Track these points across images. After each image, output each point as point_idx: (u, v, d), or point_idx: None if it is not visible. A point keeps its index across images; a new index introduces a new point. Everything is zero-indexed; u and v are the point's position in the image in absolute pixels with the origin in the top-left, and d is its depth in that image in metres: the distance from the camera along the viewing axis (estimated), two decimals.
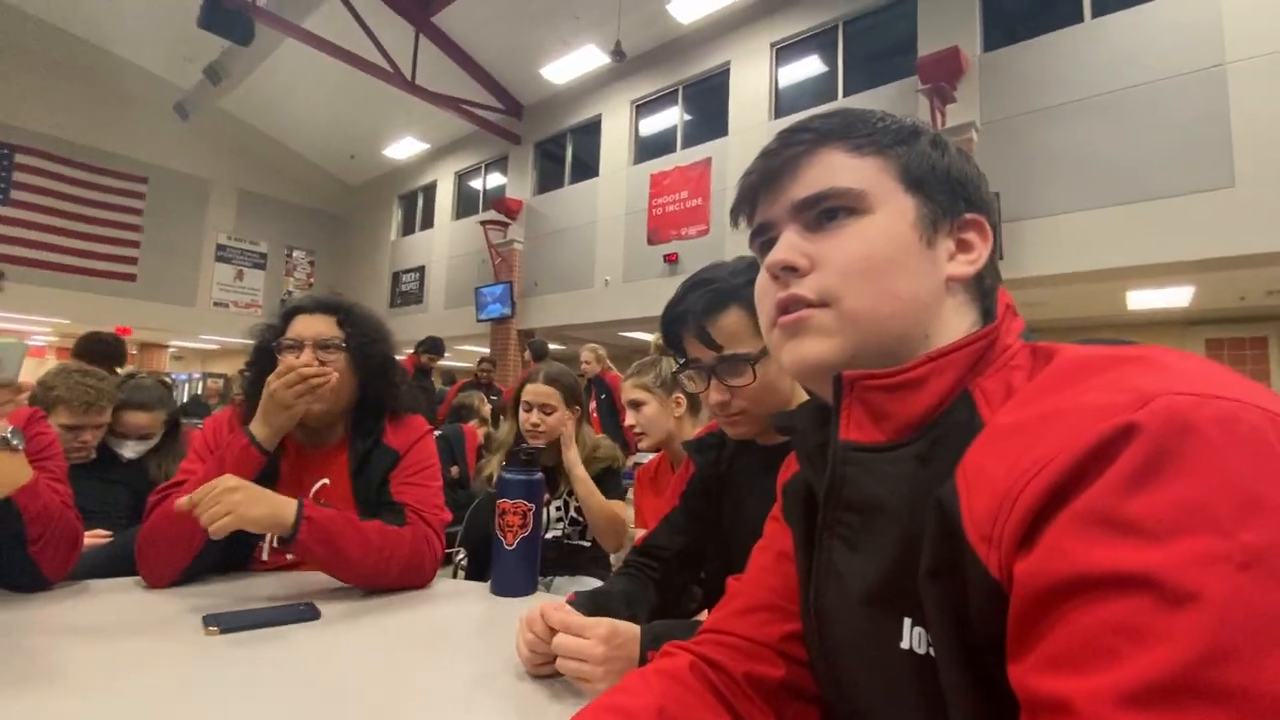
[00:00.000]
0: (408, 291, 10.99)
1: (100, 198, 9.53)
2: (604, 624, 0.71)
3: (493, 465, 1.69)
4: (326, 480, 1.17)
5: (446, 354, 6.38)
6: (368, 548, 1.02)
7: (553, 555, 1.60)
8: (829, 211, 0.50)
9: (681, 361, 0.92)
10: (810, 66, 6.74)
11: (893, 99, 5.79)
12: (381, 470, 1.17)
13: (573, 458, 1.58)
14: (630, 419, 1.64)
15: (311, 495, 1.15)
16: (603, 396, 4.35)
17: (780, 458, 0.85)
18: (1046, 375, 0.41)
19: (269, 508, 0.97)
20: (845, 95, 6.32)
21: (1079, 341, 0.43)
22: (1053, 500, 0.32)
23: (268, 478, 1.08)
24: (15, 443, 0.95)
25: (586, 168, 8.60)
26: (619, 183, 8.04)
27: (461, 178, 10.58)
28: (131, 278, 9.80)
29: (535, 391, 1.67)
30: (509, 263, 8.95)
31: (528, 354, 5.37)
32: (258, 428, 1.07)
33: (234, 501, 0.93)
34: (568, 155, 8.95)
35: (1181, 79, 4.50)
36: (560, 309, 8.44)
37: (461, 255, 10.01)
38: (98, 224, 9.50)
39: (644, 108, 8.07)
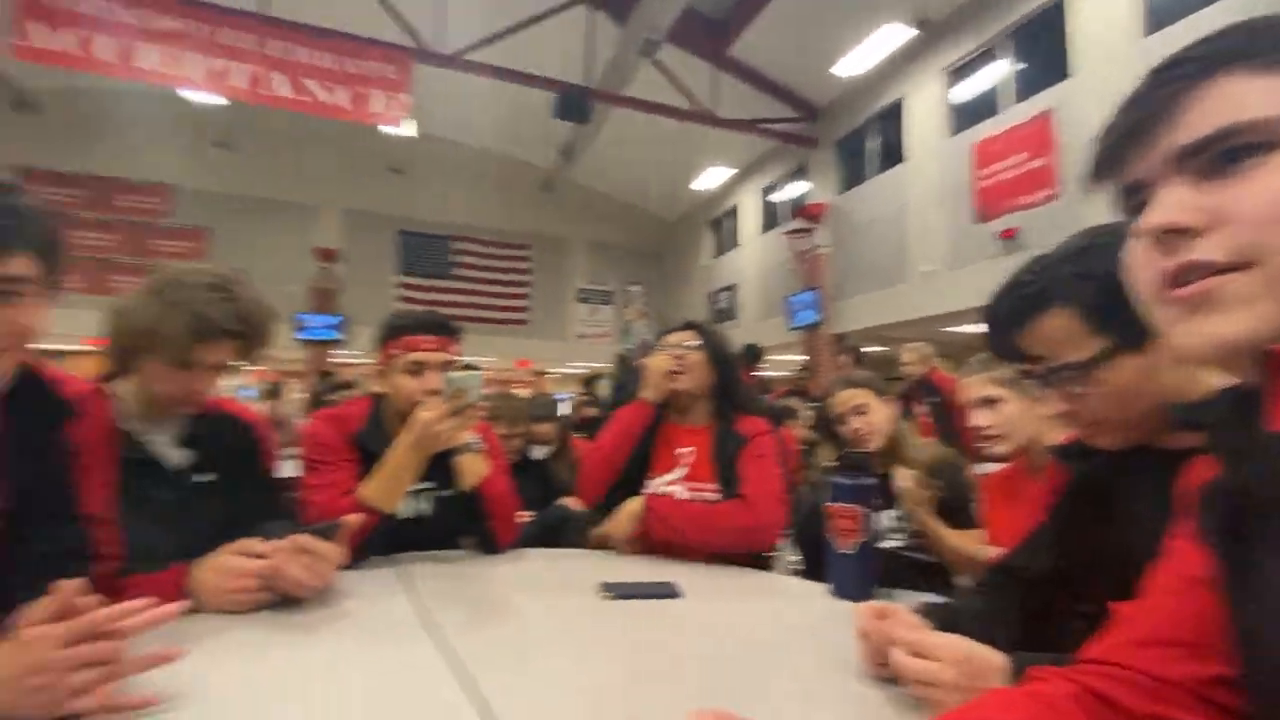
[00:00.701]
0: (722, 309, 11.75)
1: (502, 265, 12.65)
2: (959, 645, 0.64)
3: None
4: (694, 448, 1.49)
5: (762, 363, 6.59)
6: (698, 519, 1.38)
7: (892, 567, 1.54)
8: (1229, 153, 0.40)
9: (1020, 372, 0.80)
10: None
11: None
12: (733, 448, 1.45)
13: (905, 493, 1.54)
14: (983, 418, 1.40)
15: (679, 458, 1.50)
16: (934, 400, 3.96)
17: (1182, 461, 0.69)
18: None
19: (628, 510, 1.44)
20: None
21: None
22: None
23: (644, 443, 1.51)
24: (477, 447, 1.36)
25: (891, 155, 8.02)
26: (932, 162, 7.28)
27: (765, 193, 10.92)
28: (524, 322, 12.71)
29: (842, 400, 1.67)
30: (816, 268, 8.85)
31: (843, 359, 5.23)
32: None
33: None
34: (870, 146, 8.49)
35: None
36: (872, 309, 7.98)
37: (771, 267, 10.29)
38: (502, 284, 12.63)
39: (957, 73, 7.18)
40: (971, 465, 2.17)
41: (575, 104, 7.47)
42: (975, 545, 1.48)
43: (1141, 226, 0.43)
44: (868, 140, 8.50)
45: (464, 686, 0.71)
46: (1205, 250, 0.40)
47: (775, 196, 10.70)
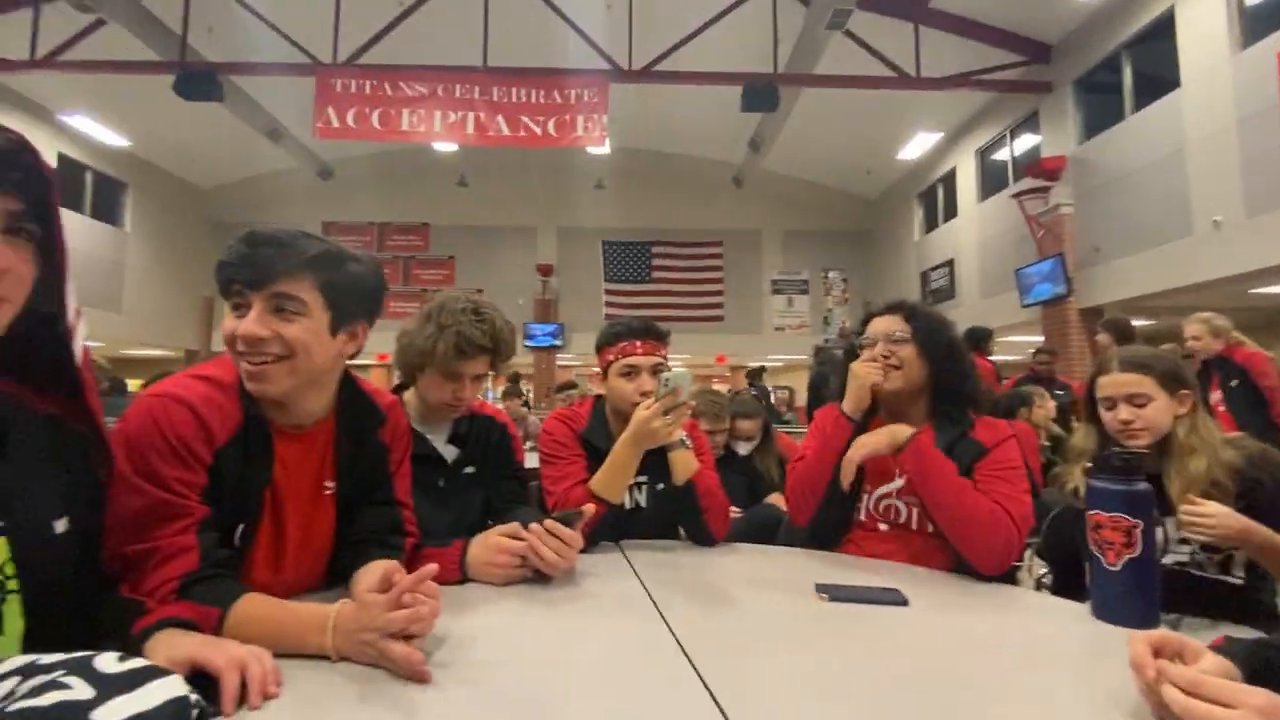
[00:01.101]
0: (938, 289, 10.63)
1: (697, 264, 12.91)
2: (1260, 694, 0.53)
3: (1075, 476, 1.44)
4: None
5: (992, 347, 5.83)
6: (956, 487, 1.25)
7: (1178, 587, 1.26)
8: None
9: None
10: None
11: None
12: (966, 460, 1.29)
13: None
14: None
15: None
16: (1233, 383, 3.15)
17: None
18: None
19: (893, 433, 1.35)
20: None
21: None
22: None
23: None
24: (686, 443, 1.43)
25: (1157, 84, 6.53)
26: (1217, 84, 5.78)
27: (983, 154, 9.63)
28: (720, 319, 12.83)
29: (1113, 382, 1.36)
30: (1056, 233, 7.57)
31: (1102, 336, 4.38)
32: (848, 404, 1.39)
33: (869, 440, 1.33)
34: (1125, 80, 7.01)
35: None
36: (1137, 275, 6.59)
37: (995, 237, 9.05)
38: (698, 283, 12.90)
39: None
40: None
41: (761, 93, 7.34)
42: None
43: None
44: (1123, 72, 7.04)
45: (691, 664, 0.76)
46: None
47: (998, 156, 9.37)
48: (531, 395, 11.15)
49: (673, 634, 0.87)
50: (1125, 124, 6.94)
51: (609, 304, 12.21)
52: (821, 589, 1.06)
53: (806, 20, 7.20)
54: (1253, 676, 0.59)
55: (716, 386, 9.79)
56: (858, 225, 13.19)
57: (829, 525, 1.42)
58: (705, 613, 1.01)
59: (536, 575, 1.09)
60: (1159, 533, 1.28)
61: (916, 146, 10.52)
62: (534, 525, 1.09)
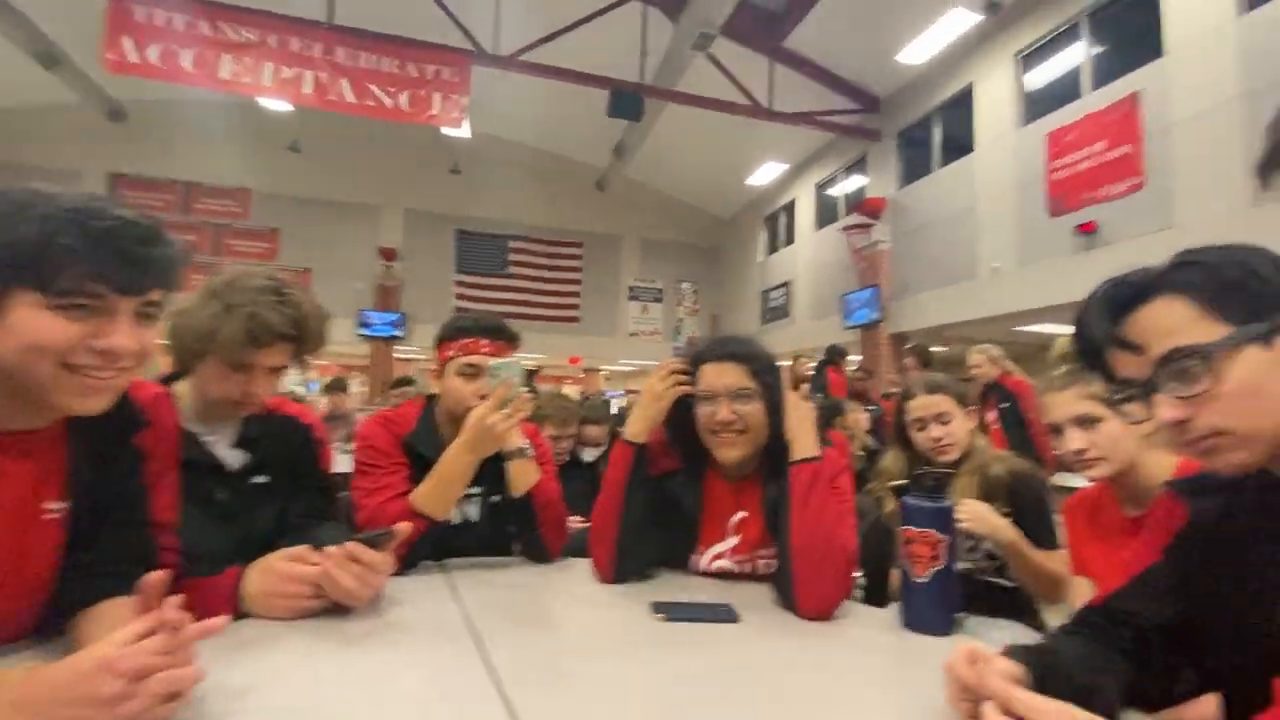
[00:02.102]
0: (775, 307, 11.51)
1: (556, 262, 12.76)
2: (1068, 713, 0.56)
3: (889, 497, 1.59)
4: (745, 513, 1.22)
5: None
6: (828, 522, 1.08)
7: (964, 590, 1.42)
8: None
9: (1114, 390, 0.68)
10: None
11: None
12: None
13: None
14: (1076, 442, 1.20)
15: (731, 526, 1.23)
16: (1005, 405, 3.73)
17: None
18: None
19: (808, 432, 1.16)
20: None
21: None
22: None
23: (691, 507, 1.24)
24: (528, 452, 1.33)
25: (959, 146, 7.64)
26: (1002, 153, 6.90)
27: (820, 189, 10.62)
28: (576, 319, 12.79)
29: (922, 404, 1.55)
30: (875, 266, 8.55)
31: (909, 359, 5.00)
32: (631, 424, 1.23)
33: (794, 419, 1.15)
34: (935, 138, 8.12)
35: None
36: (937, 307, 7.65)
37: (825, 265, 10.01)
38: (555, 282, 12.74)
39: (1031, 57, 6.77)
40: (1049, 477, 2.00)
41: (628, 101, 7.44)
42: (1063, 570, 1.36)
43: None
44: (933, 131, 8.14)
45: (503, 702, 0.67)
46: None
47: (832, 191, 10.39)
48: (367, 390, 10.24)
49: (490, 668, 0.77)
50: (932, 176, 8.03)
51: (460, 295, 11.64)
52: (658, 608, 1.02)
53: (674, 37, 7.43)
54: (1039, 679, 0.63)
55: (567, 390, 9.71)
56: (711, 241, 13.88)
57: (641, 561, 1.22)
58: (531, 640, 0.92)
59: (335, 606, 0.93)
60: (957, 546, 1.44)
61: (765, 174, 11.32)
62: (331, 548, 0.92)
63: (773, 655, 0.90)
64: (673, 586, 1.18)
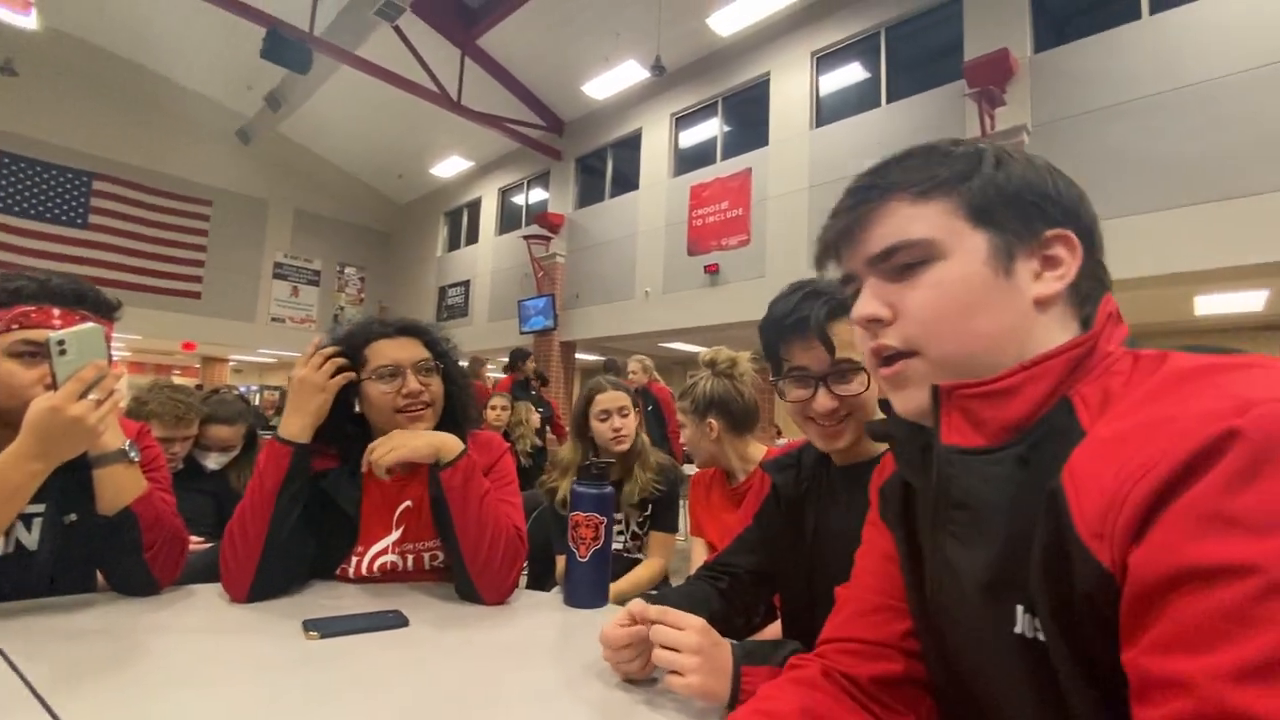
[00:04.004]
0: (453, 305, 11.28)
1: (169, 220, 10.11)
2: (699, 620, 0.73)
3: (563, 486, 1.72)
4: (410, 503, 1.16)
5: (490, 366, 6.53)
6: (491, 510, 1.07)
7: (614, 568, 1.63)
8: (904, 263, 0.52)
9: (787, 370, 0.93)
10: (852, 74, 6.69)
11: (939, 104, 5.70)
12: None
13: None
14: (682, 438, 1.73)
15: (396, 519, 1.16)
16: (649, 408, 4.38)
17: (858, 474, 0.86)
18: (1154, 383, 0.42)
19: (431, 439, 1.08)
20: (889, 101, 6.24)
21: (1184, 348, 0.45)
22: (1160, 498, 0.35)
23: (353, 504, 1.13)
24: (133, 455, 1.03)
25: (627, 181, 8.71)
26: (659, 195, 8.11)
27: (505, 194, 10.84)
28: (196, 295, 10.35)
29: (611, 399, 1.76)
30: (551, 276, 9.10)
31: (609, 376, 5.48)
32: (289, 423, 1.08)
33: (400, 439, 1.06)
34: (608, 169, 9.09)
35: (1248, 74, 4.30)
36: (602, 320, 8.53)
37: (505, 269, 10.24)
38: (166, 245, 10.07)
39: (684, 120, 8.14)
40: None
41: (290, 47, 6.39)
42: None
43: (852, 315, 0.56)
44: (609, 162, 9.09)
45: None
46: (890, 337, 0.53)
47: (516, 199, 10.70)
48: None
49: None
50: (604, 204, 8.96)
51: (10, 247, 8.37)
52: (311, 625, 0.90)
53: None
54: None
55: (178, 379, 7.84)
56: (383, 225, 12.87)
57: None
58: (125, 696, 0.71)
59: None
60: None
61: (450, 167, 11.04)
62: None
63: (442, 650, 0.88)
64: (327, 599, 1.06)
